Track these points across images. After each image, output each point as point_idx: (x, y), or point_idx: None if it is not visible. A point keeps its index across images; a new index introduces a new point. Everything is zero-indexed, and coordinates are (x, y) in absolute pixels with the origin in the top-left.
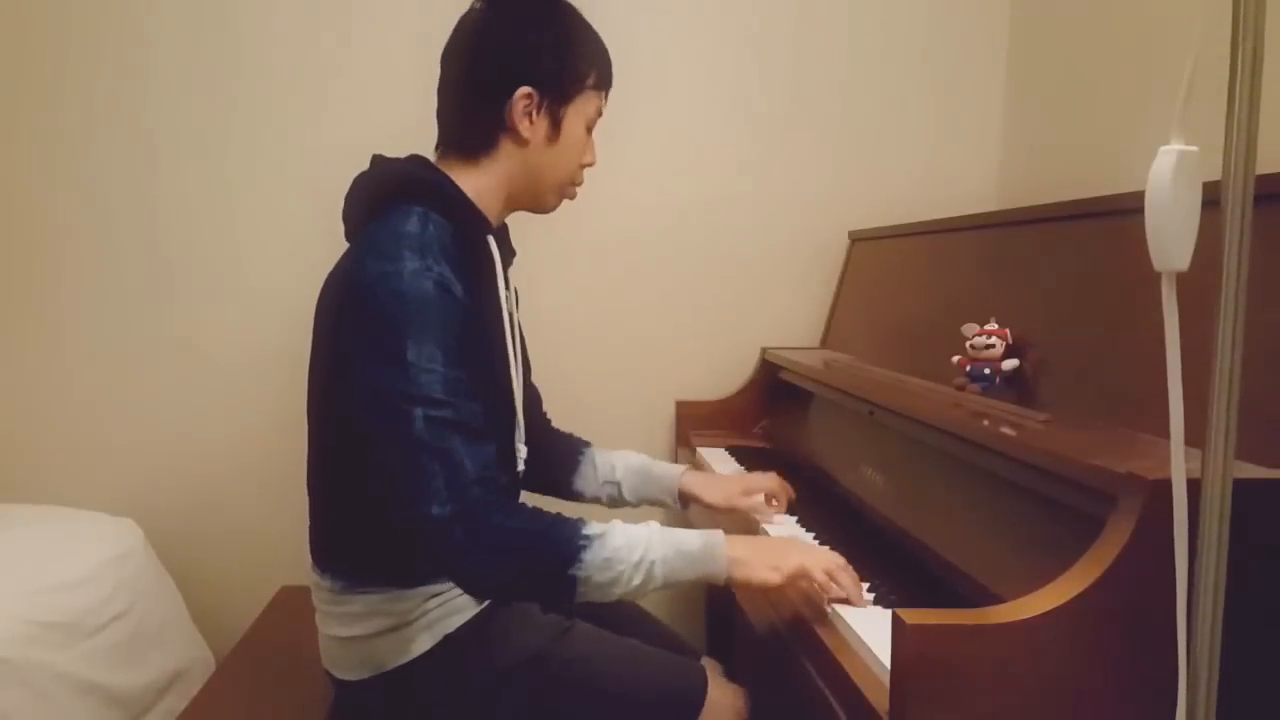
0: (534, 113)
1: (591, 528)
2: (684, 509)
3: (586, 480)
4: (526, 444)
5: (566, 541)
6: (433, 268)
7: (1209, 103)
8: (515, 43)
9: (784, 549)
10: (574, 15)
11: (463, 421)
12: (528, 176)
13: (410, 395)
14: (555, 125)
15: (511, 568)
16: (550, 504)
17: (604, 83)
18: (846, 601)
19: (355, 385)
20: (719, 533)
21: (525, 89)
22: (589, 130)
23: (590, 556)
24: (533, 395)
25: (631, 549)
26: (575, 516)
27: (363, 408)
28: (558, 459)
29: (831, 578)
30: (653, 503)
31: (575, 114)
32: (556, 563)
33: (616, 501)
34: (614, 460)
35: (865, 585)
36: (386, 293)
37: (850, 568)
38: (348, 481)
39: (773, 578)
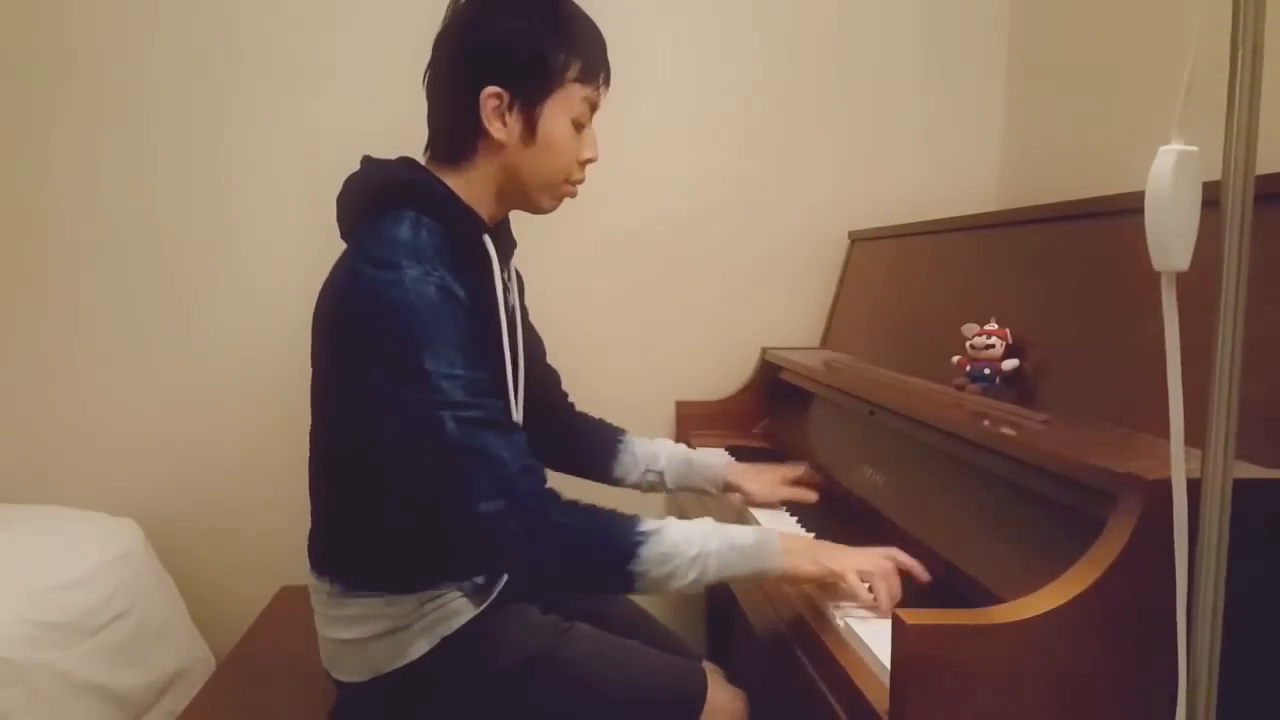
0: (505, 113)
1: (648, 524)
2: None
3: (626, 468)
4: (553, 429)
5: (624, 538)
6: (432, 273)
7: (1209, 103)
8: (484, 38)
9: (834, 549)
10: (547, 6)
11: (492, 419)
12: (511, 180)
13: (436, 403)
14: (530, 125)
15: (570, 563)
16: (586, 488)
17: (591, 74)
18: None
19: (375, 402)
20: (771, 529)
21: (492, 89)
22: (579, 126)
23: (647, 552)
24: (551, 377)
25: (689, 544)
26: (631, 513)
27: (389, 423)
28: (595, 445)
29: (868, 580)
30: (694, 490)
31: (555, 110)
32: (615, 559)
33: (656, 488)
34: (655, 449)
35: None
36: (391, 303)
37: (895, 576)
38: (350, 486)
39: (812, 571)
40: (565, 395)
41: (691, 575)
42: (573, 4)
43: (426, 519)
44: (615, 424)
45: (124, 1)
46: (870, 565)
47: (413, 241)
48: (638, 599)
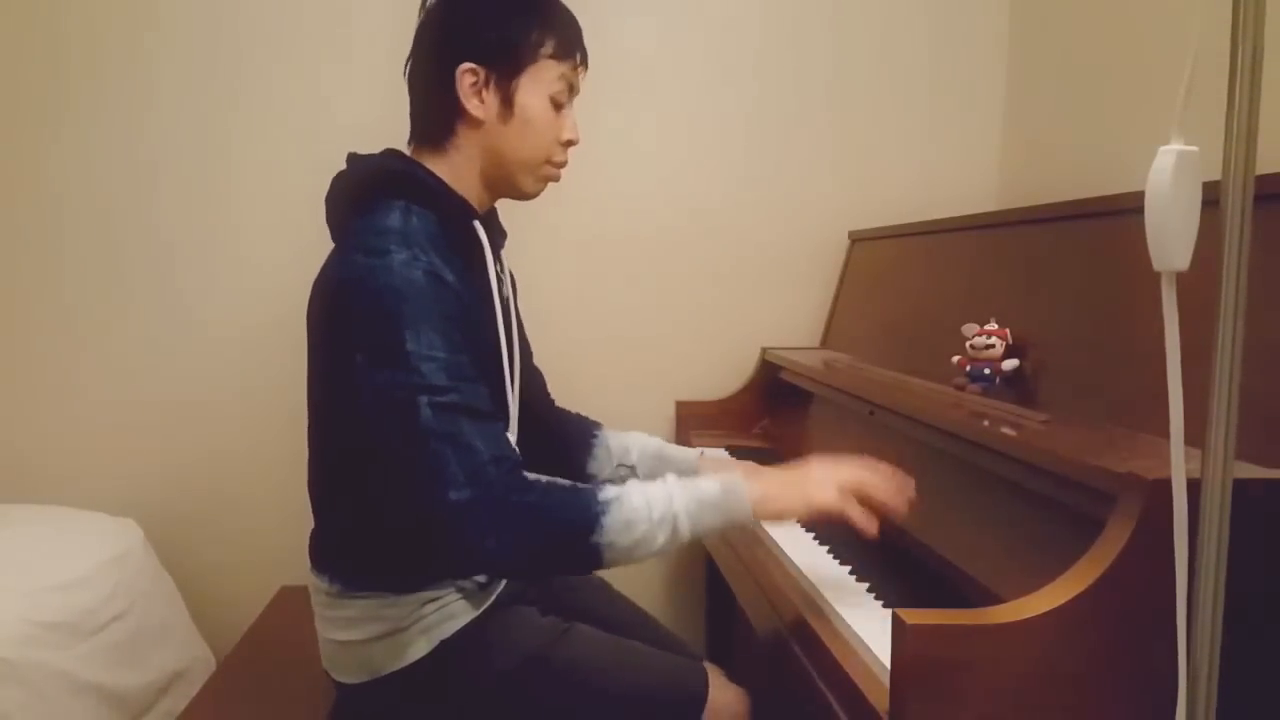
0: (482, 90)
1: (607, 492)
2: None
3: (599, 463)
4: (534, 427)
5: (584, 509)
6: (420, 257)
7: (1209, 103)
8: (455, 19)
9: (805, 476)
10: None
11: (469, 405)
12: (492, 159)
13: (413, 385)
14: (507, 101)
15: (533, 544)
16: None
17: (566, 52)
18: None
19: (357, 384)
20: (736, 475)
21: (467, 65)
22: (558, 104)
23: (610, 521)
24: (536, 378)
25: (651, 507)
26: (590, 484)
27: (368, 405)
28: (569, 440)
29: (862, 490)
30: None
31: (531, 86)
32: (577, 532)
33: None
34: (628, 443)
35: (865, 585)
36: (378, 287)
37: (883, 470)
38: (346, 483)
39: (799, 509)
40: (549, 397)
41: (661, 538)
42: None
43: (400, 506)
44: (593, 419)
45: None
46: (857, 476)
47: (403, 229)
48: (636, 598)
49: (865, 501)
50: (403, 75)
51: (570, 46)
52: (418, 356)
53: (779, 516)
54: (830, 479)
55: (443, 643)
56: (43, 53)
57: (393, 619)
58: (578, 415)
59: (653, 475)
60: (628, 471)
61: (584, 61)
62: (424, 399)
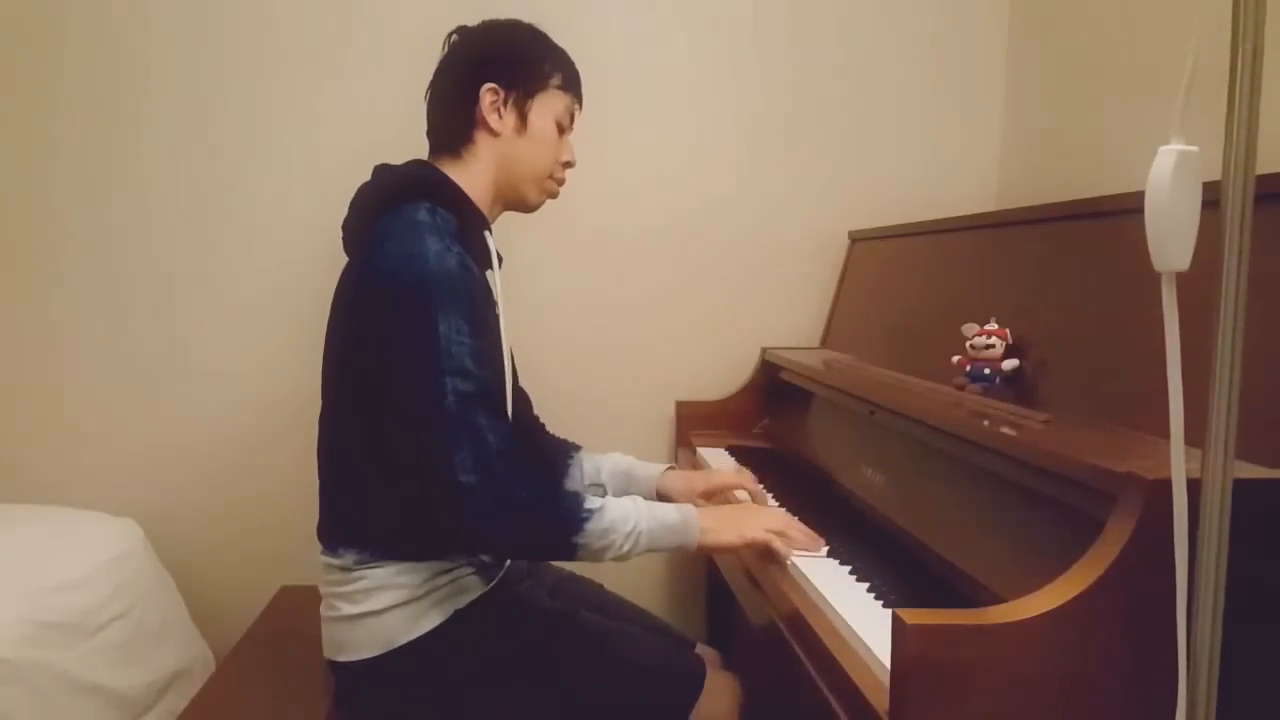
0: (501, 107)
1: (591, 501)
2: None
3: (574, 482)
4: (521, 443)
5: (571, 513)
6: (452, 248)
7: (1209, 103)
8: (480, 50)
9: (739, 516)
10: (535, 31)
11: (487, 394)
12: (505, 167)
13: (442, 367)
14: (522, 118)
15: (525, 534)
16: None
17: (570, 86)
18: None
19: (387, 364)
20: (691, 507)
21: (489, 85)
22: (561, 129)
23: (591, 527)
24: (523, 398)
25: (625, 521)
26: (573, 490)
27: (397, 383)
28: (549, 462)
29: (783, 535)
30: None
31: (542, 109)
32: (563, 531)
33: None
34: (600, 463)
35: (865, 585)
36: (414, 274)
37: (795, 521)
38: (363, 456)
39: (734, 541)
40: (537, 419)
41: (626, 548)
42: (546, 35)
43: (412, 479)
44: (573, 441)
45: (122, 4)
46: (776, 523)
47: (432, 223)
48: (636, 597)
49: (786, 543)
50: (421, 98)
51: (574, 83)
52: (447, 338)
53: (717, 547)
54: (760, 522)
55: (455, 613)
56: (37, 53)
57: (409, 586)
58: (560, 439)
59: (620, 491)
60: (600, 490)
61: (580, 102)
62: (449, 381)
